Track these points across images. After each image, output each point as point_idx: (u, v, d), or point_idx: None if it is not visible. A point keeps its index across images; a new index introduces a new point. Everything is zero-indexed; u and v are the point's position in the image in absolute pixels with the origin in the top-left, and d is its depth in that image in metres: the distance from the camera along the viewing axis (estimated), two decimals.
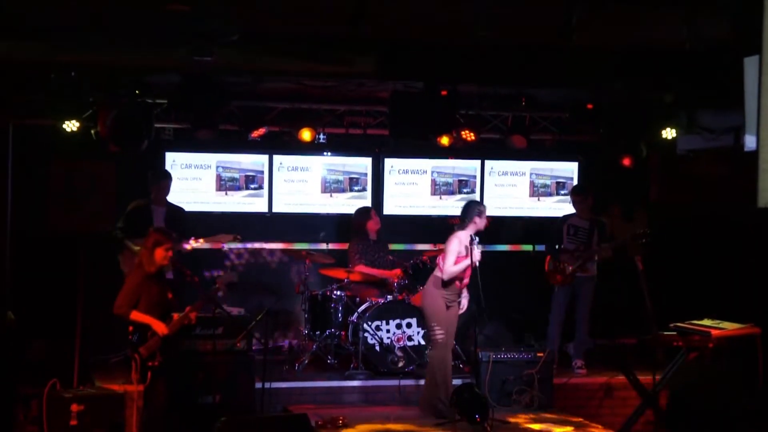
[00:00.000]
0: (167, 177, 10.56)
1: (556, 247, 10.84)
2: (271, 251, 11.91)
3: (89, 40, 8.84)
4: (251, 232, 11.68)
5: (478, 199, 11.80)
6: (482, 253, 8.93)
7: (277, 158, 11.62)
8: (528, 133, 11.49)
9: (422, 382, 9.85)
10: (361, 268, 10.64)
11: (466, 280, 8.95)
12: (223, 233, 10.39)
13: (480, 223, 8.95)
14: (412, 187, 12.02)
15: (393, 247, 11.33)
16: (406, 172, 12.01)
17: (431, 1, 8.09)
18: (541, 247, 11.54)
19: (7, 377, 8.82)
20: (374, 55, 9.49)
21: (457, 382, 9.19)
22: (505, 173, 12.22)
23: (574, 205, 11.01)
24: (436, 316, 8.97)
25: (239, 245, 11.54)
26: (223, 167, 11.50)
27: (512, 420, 8.85)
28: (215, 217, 11.34)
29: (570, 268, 10.68)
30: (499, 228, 12.11)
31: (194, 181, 11.42)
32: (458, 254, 8.82)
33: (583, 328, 10.73)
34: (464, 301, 9.05)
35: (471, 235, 8.81)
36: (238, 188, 11.54)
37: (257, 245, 11.82)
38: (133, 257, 9.98)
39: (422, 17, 8.48)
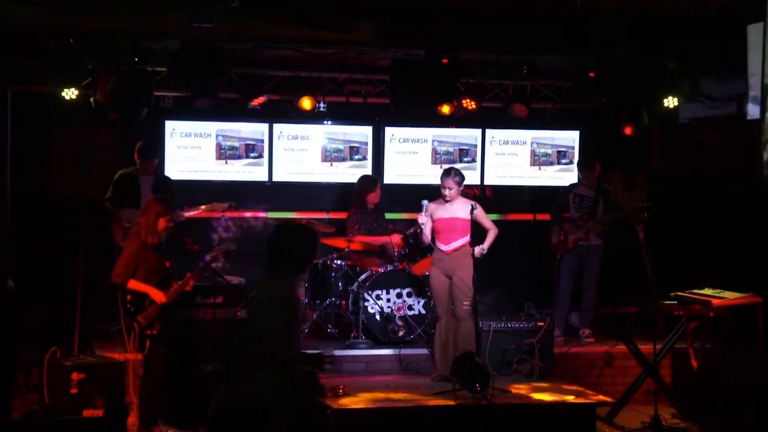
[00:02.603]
0: (153, 157, 10.43)
1: (562, 215, 10.87)
2: (271, 220, 11.87)
3: (88, 5, 8.77)
4: (251, 201, 11.65)
5: (478, 168, 11.86)
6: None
7: (277, 127, 11.56)
8: (529, 101, 11.44)
9: (422, 351, 9.89)
10: (361, 239, 10.61)
11: (442, 235, 9.09)
12: (218, 202, 10.35)
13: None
14: (412, 156, 11.97)
15: (393, 216, 11.31)
16: (406, 140, 11.95)
17: None
18: (543, 217, 11.54)
19: (8, 344, 8.81)
20: (375, 22, 9.43)
21: None
22: (506, 142, 12.17)
23: (583, 177, 10.95)
24: (431, 288, 9.31)
25: (239, 215, 11.51)
26: (223, 136, 11.44)
27: (513, 389, 8.84)
28: (215, 186, 11.31)
29: (571, 237, 10.69)
30: (500, 197, 12.10)
31: (194, 149, 11.37)
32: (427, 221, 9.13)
33: (589, 297, 10.74)
34: (477, 250, 9.05)
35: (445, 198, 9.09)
36: (238, 157, 11.49)
37: (257, 214, 11.79)
38: (123, 229, 9.97)
39: None
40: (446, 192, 9.04)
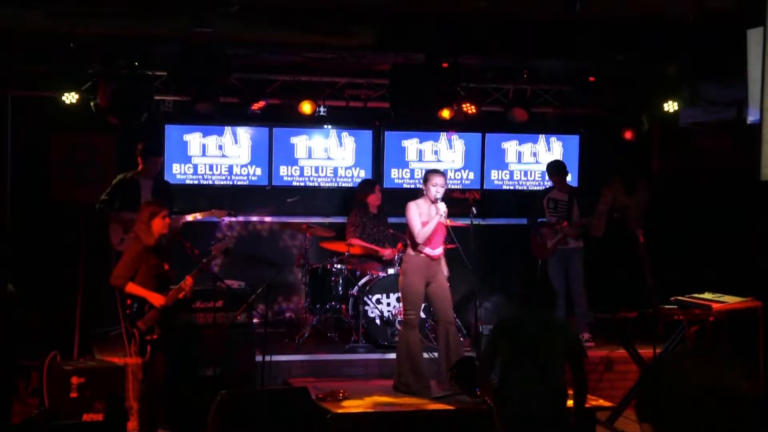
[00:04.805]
0: (159, 154, 10.51)
1: (538, 220, 10.93)
2: (272, 224, 11.87)
3: (88, 10, 8.78)
4: (252, 205, 11.65)
5: (479, 172, 11.86)
6: (484, 226, 8.93)
7: (277, 131, 11.57)
8: (529, 106, 11.44)
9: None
10: (356, 242, 10.59)
11: (433, 239, 8.82)
12: (217, 209, 10.34)
13: (427, 190, 8.80)
14: (412, 160, 11.97)
15: (393, 220, 11.30)
16: (406, 145, 11.96)
17: None
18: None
19: (8, 349, 8.82)
20: (375, 27, 9.43)
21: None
22: (505, 147, 12.17)
23: (553, 182, 11.03)
24: (404, 292, 8.95)
25: (239, 219, 11.51)
26: (223, 140, 11.44)
27: None
28: (215, 191, 11.31)
29: (550, 241, 10.72)
30: (500, 201, 12.11)
31: (194, 154, 11.37)
32: (421, 218, 8.77)
33: (580, 301, 10.72)
34: (445, 269, 8.97)
35: (435, 199, 8.73)
36: (239, 161, 11.49)
37: (257, 218, 11.78)
38: (119, 230, 9.99)
39: None
40: (441, 192, 8.77)
